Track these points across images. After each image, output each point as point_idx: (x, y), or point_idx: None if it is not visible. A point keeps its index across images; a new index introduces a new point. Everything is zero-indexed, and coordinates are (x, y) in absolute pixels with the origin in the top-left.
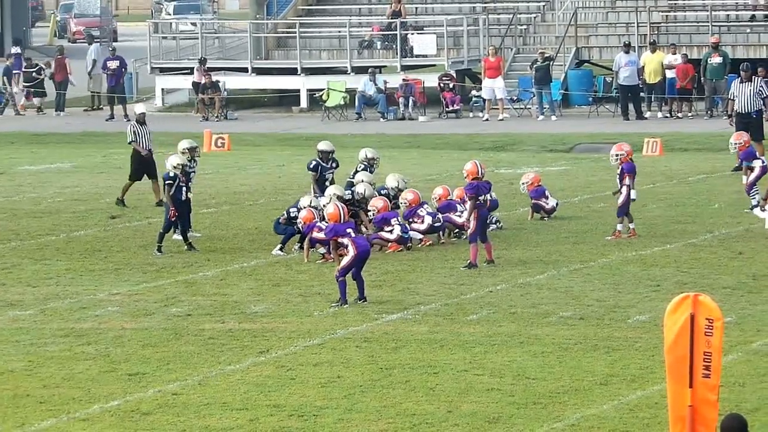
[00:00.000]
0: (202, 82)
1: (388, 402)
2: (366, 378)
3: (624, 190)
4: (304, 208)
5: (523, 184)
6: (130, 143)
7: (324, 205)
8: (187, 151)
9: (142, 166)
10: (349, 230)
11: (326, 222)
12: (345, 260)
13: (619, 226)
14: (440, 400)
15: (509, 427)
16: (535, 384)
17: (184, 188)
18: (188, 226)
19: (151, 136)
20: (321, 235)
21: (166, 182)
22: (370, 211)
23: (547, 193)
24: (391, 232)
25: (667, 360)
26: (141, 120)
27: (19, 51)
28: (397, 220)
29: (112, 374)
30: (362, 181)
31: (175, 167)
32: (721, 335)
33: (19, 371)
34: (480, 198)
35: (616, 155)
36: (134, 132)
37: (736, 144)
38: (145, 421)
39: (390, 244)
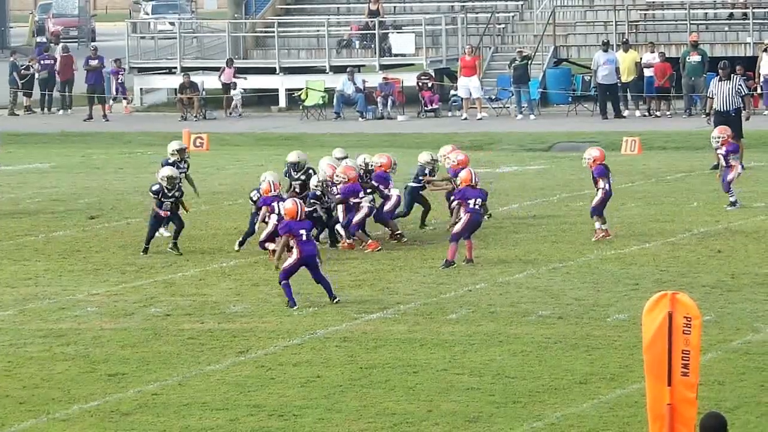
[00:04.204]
0: (229, 82)
1: (368, 401)
2: (346, 378)
3: (599, 192)
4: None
5: (442, 157)
6: None
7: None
8: (176, 152)
9: None
10: (302, 231)
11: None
12: (288, 262)
13: (597, 225)
14: (420, 400)
15: (489, 426)
16: (514, 383)
17: (167, 202)
18: (181, 228)
19: None
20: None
21: (150, 193)
22: (338, 178)
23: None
24: (359, 206)
25: (645, 358)
26: None
27: (44, 40)
28: (366, 196)
29: (92, 375)
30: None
31: (161, 180)
32: (699, 333)
33: None
34: (470, 202)
35: (585, 159)
36: None
37: (719, 138)
38: (124, 421)
39: (369, 242)
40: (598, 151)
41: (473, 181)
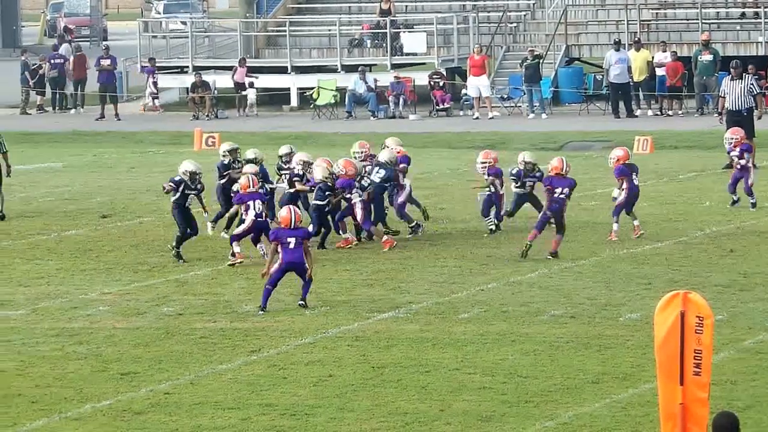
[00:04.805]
0: (242, 81)
1: (380, 401)
2: (358, 377)
3: (623, 192)
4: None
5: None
6: None
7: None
8: (227, 153)
9: None
10: (290, 239)
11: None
12: (273, 267)
13: (615, 226)
14: (432, 399)
15: (501, 426)
16: (526, 382)
17: (191, 195)
18: (195, 233)
19: None
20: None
21: (170, 183)
22: (337, 170)
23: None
24: (352, 203)
25: (657, 358)
26: None
27: (68, 38)
28: (358, 192)
29: (104, 374)
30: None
31: (183, 174)
32: (711, 333)
33: (10, 371)
34: (556, 191)
35: (610, 159)
36: None
37: (732, 139)
38: (136, 420)
39: (384, 240)
40: (622, 150)
41: (563, 170)
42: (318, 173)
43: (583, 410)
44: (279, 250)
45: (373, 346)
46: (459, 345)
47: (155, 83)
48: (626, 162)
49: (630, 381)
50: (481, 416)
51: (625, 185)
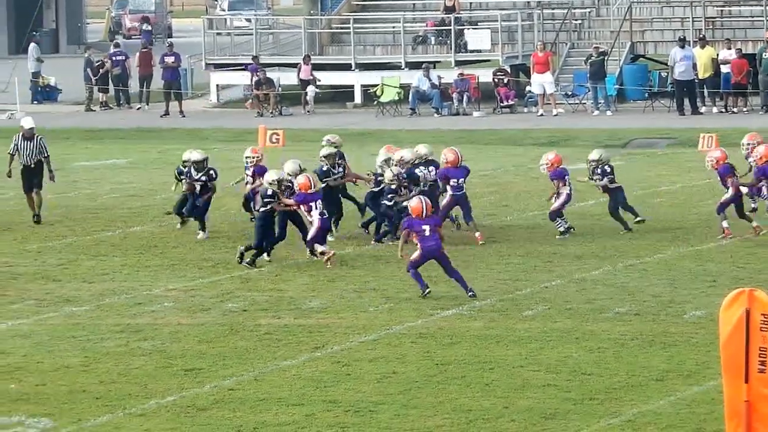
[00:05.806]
0: (307, 78)
1: (444, 397)
2: (422, 373)
3: (730, 190)
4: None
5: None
6: (9, 154)
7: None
8: (330, 155)
9: (29, 177)
10: (425, 227)
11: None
12: (413, 255)
13: (724, 223)
14: (496, 396)
15: (565, 423)
16: (591, 380)
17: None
18: (282, 239)
19: (38, 150)
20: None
21: (265, 200)
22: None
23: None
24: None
25: (722, 355)
26: (27, 135)
27: (148, 28)
28: (455, 185)
29: (168, 370)
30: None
31: (270, 183)
32: None
33: (75, 367)
34: None
35: (707, 162)
36: (16, 145)
37: (749, 144)
38: (201, 416)
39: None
40: (720, 151)
41: None
42: (387, 174)
43: (647, 407)
44: (413, 239)
45: (437, 343)
46: (523, 342)
47: (259, 81)
48: (726, 161)
49: (694, 378)
50: (545, 413)
51: (732, 182)
